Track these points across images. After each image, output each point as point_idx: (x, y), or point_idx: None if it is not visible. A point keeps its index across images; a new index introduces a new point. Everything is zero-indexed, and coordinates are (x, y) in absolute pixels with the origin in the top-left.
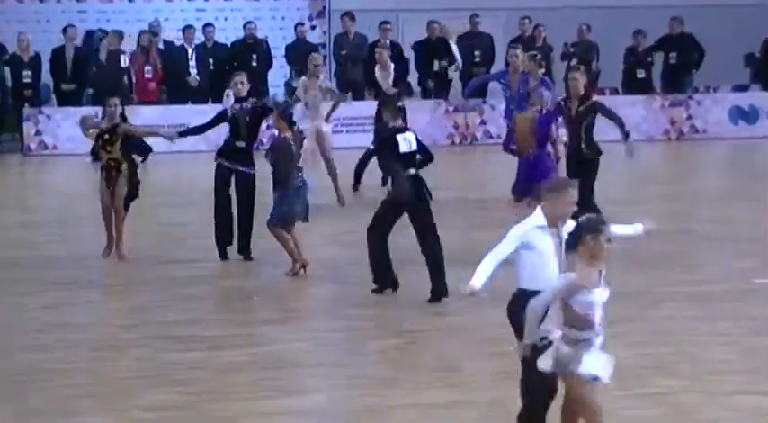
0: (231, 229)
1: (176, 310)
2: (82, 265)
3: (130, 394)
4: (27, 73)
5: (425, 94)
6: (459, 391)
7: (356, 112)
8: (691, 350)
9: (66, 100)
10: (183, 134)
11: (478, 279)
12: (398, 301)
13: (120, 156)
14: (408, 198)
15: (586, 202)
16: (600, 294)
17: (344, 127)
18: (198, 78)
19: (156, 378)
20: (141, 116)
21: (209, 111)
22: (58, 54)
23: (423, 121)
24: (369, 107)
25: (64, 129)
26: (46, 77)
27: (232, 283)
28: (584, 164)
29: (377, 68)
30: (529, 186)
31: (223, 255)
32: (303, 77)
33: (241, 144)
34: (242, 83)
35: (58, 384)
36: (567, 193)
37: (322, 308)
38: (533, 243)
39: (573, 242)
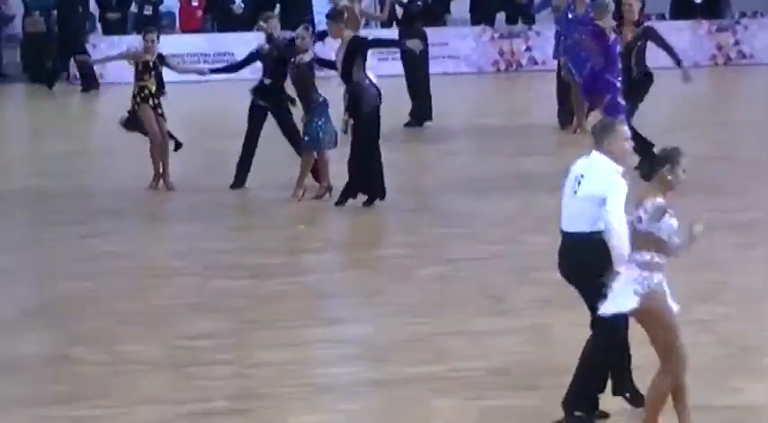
0: (248, 168)
1: (221, 239)
2: (127, 195)
3: (174, 322)
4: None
5: (473, 21)
6: (504, 318)
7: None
8: (736, 278)
9: (111, 28)
10: (214, 71)
11: (618, 257)
12: (443, 229)
13: (153, 87)
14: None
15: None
16: (674, 221)
17: (390, 54)
18: (243, 6)
19: (200, 306)
20: (187, 44)
21: (252, 39)
22: None
23: (468, 48)
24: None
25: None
26: (92, 6)
27: (276, 211)
28: (634, 85)
29: None
30: (589, 98)
31: (236, 184)
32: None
33: (268, 81)
34: (274, 28)
35: (102, 312)
36: (621, 130)
37: (365, 237)
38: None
39: (648, 172)
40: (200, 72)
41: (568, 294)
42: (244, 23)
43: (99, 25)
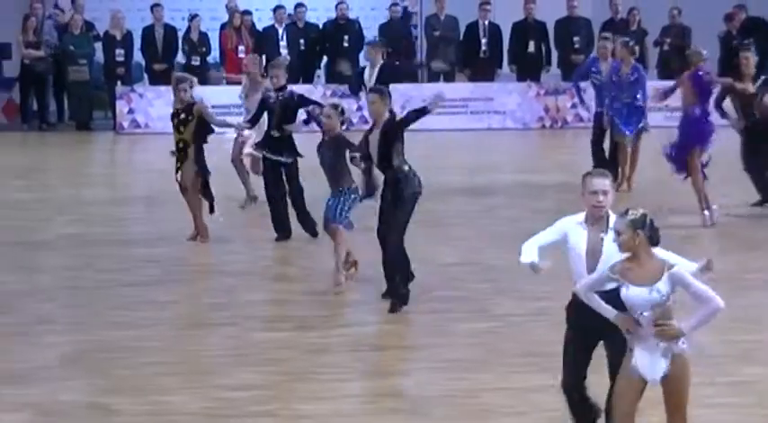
0: (284, 218)
1: (262, 291)
2: (169, 244)
3: (215, 373)
4: (119, 51)
5: (519, 77)
6: (549, 375)
7: (447, 93)
8: None
9: (157, 79)
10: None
11: (526, 256)
12: (487, 284)
13: (189, 137)
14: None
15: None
16: (638, 292)
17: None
18: (288, 58)
19: (242, 357)
20: (233, 95)
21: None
22: (148, 33)
23: (513, 103)
24: (461, 89)
25: (156, 107)
26: (137, 56)
27: (318, 263)
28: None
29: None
30: (684, 144)
31: (280, 237)
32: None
33: (275, 133)
34: (277, 77)
35: (143, 362)
36: (588, 182)
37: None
38: (569, 237)
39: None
40: (239, 127)
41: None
42: (290, 75)
43: (145, 75)
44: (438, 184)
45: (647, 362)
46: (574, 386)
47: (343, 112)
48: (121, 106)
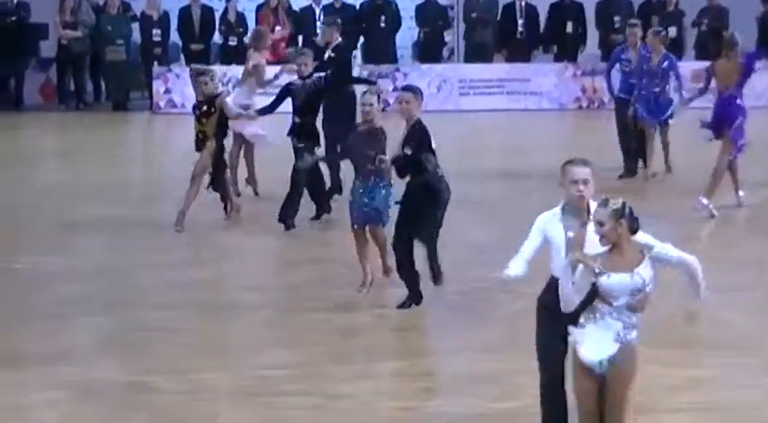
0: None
1: (298, 271)
2: (205, 225)
3: (251, 352)
4: (156, 31)
5: (556, 58)
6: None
7: (484, 74)
8: None
9: (194, 59)
10: (260, 112)
11: (514, 269)
12: None
13: (210, 131)
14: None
15: None
16: (619, 278)
17: (471, 89)
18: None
19: (279, 337)
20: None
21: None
22: (185, 13)
23: (550, 84)
24: (497, 70)
25: (192, 87)
26: (174, 36)
27: (353, 246)
28: None
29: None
30: (718, 125)
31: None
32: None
33: (297, 120)
34: (306, 64)
35: (179, 341)
36: (568, 171)
37: (448, 271)
38: (548, 231)
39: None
40: (250, 116)
41: (648, 335)
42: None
43: (182, 55)
44: (474, 165)
45: (594, 344)
46: (556, 386)
47: (379, 97)
48: (158, 86)
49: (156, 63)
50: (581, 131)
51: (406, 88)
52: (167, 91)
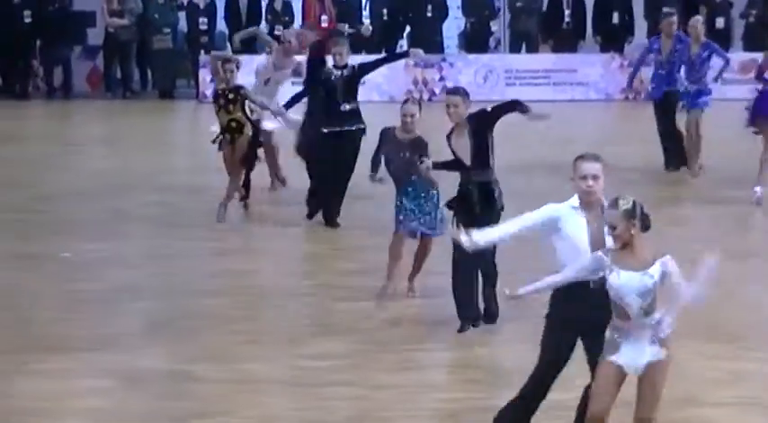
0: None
1: (346, 260)
2: (255, 213)
3: (297, 341)
4: (203, 20)
5: (602, 48)
6: None
7: (530, 64)
8: None
9: (240, 47)
10: (287, 105)
11: (483, 235)
12: None
13: (241, 117)
14: None
15: None
16: (629, 277)
17: (517, 80)
18: (371, 28)
19: (324, 327)
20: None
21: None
22: (232, 1)
23: (596, 75)
24: (544, 60)
25: (239, 76)
26: (221, 25)
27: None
28: None
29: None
30: (754, 115)
31: (310, 215)
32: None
33: (345, 107)
34: (341, 55)
35: (225, 330)
36: (578, 166)
37: (498, 263)
38: (561, 223)
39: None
40: (278, 113)
41: (702, 326)
42: (371, 45)
43: (228, 44)
44: (519, 157)
45: (631, 354)
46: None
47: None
48: (204, 75)
49: (202, 51)
50: (627, 122)
51: (453, 91)
52: (213, 79)
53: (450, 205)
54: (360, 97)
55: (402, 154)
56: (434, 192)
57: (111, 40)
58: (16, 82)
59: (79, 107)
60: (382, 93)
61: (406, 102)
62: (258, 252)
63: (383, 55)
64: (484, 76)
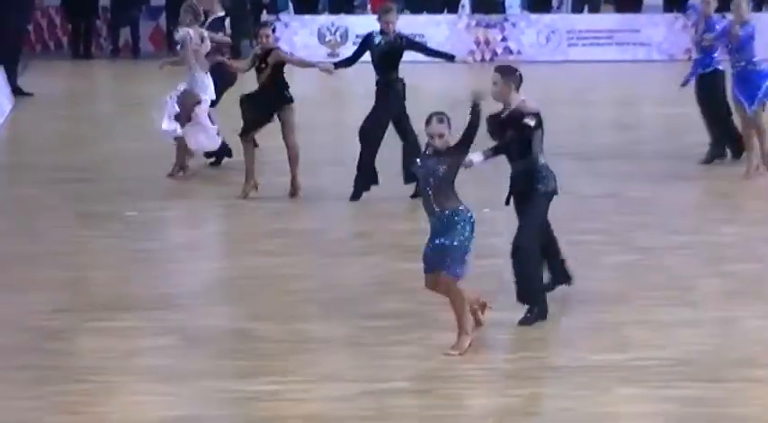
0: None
1: (406, 220)
2: (313, 172)
3: (357, 301)
4: None
5: (665, 8)
6: (690, 309)
7: (593, 24)
8: None
9: (302, 8)
10: (337, 66)
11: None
12: (630, 217)
13: (268, 83)
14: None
15: None
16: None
17: (580, 40)
18: None
19: (384, 286)
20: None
21: (442, 21)
22: None
23: (659, 35)
24: (607, 20)
25: (301, 36)
26: None
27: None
28: None
29: None
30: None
31: (354, 196)
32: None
33: (376, 77)
34: (388, 22)
35: (287, 289)
36: (428, 124)
37: (555, 221)
38: None
39: None
40: (326, 70)
41: (757, 286)
42: (435, 5)
43: (290, 4)
44: (583, 116)
45: None
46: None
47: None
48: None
49: (264, 11)
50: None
51: (497, 69)
52: (275, 40)
53: None
54: (421, 58)
55: (434, 165)
56: (455, 209)
57: (173, 1)
58: (80, 42)
59: (144, 66)
60: None
61: (430, 120)
62: (317, 212)
63: (431, 47)
64: (546, 36)
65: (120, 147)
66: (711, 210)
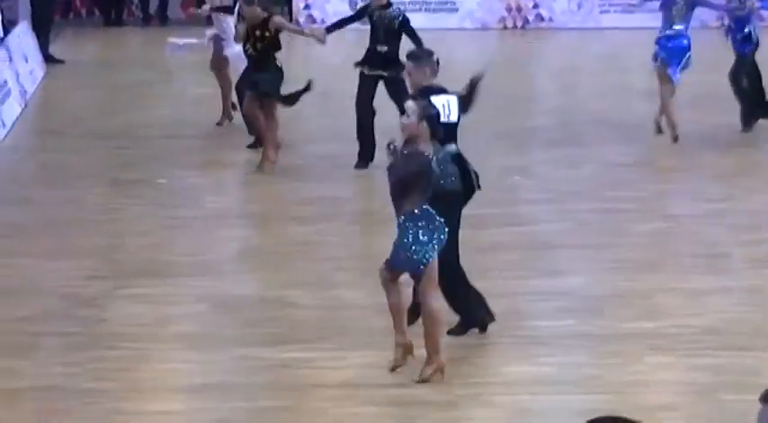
0: (373, 142)
1: None
2: (344, 140)
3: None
4: None
5: None
6: (720, 277)
7: None
8: None
9: None
10: (329, 30)
11: None
12: (660, 185)
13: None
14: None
15: None
16: None
17: (612, 7)
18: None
19: None
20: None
21: None
22: None
23: None
24: None
25: (332, 3)
26: None
27: (493, 159)
28: None
29: None
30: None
31: (360, 164)
32: None
33: (383, 48)
34: None
35: (318, 257)
36: None
37: (585, 189)
38: None
39: None
40: (319, 38)
41: None
42: None
43: None
44: (615, 83)
45: None
46: None
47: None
48: (297, 1)
49: None
50: (725, 50)
51: (407, 56)
52: (307, 6)
53: None
54: (451, 25)
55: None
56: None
57: None
58: (111, 9)
59: (175, 34)
60: (474, 20)
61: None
62: (350, 179)
63: (418, 39)
64: (578, 2)
65: (151, 114)
66: (744, 178)
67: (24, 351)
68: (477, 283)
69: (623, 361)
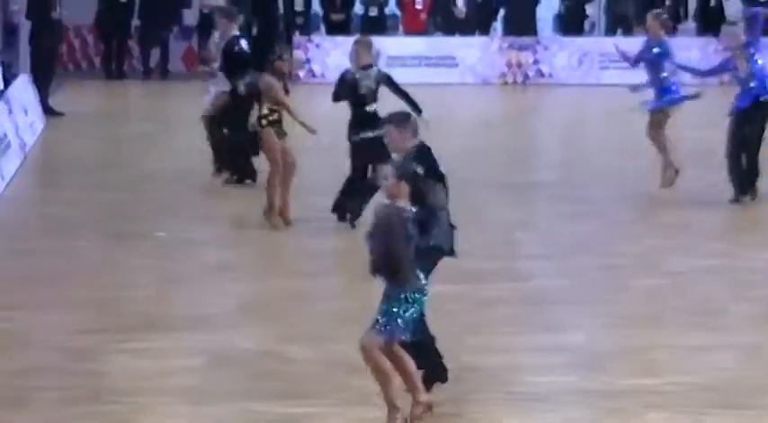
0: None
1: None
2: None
3: None
4: (299, 0)
5: (699, 31)
6: (718, 334)
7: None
8: None
9: (335, 29)
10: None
11: None
12: (659, 240)
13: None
14: None
15: None
16: None
17: (612, 63)
18: (464, 9)
19: None
20: (409, 47)
21: (474, 43)
22: None
23: (693, 59)
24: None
25: (333, 57)
26: (316, 5)
27: (494, 214)
28: None
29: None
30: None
31: (342, 217)
32: None
33: (372, 108)
34: (357, 52)
35: (318, 310)
36: None
37: (583, 244)
38: None
39: None
40: (310, 131)
41: None
42: (466, 27)
43: (322, 26)
44: (616, 139)
45: None
46: None
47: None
48: (298, 56)
49: (297, 32)
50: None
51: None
52: (307, 61)
53: None
54: (452, 80)
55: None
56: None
57: (205, 21)
58: (113, 62)
59: (176, 87)
60: (475, 75)
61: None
62: (351, 232)
63: (407, 96)
64: (579, 59)
65: (151, 167)
66: (742, 234)
67: (19, 405)
68: (476, 338)
69: (624, 417)
